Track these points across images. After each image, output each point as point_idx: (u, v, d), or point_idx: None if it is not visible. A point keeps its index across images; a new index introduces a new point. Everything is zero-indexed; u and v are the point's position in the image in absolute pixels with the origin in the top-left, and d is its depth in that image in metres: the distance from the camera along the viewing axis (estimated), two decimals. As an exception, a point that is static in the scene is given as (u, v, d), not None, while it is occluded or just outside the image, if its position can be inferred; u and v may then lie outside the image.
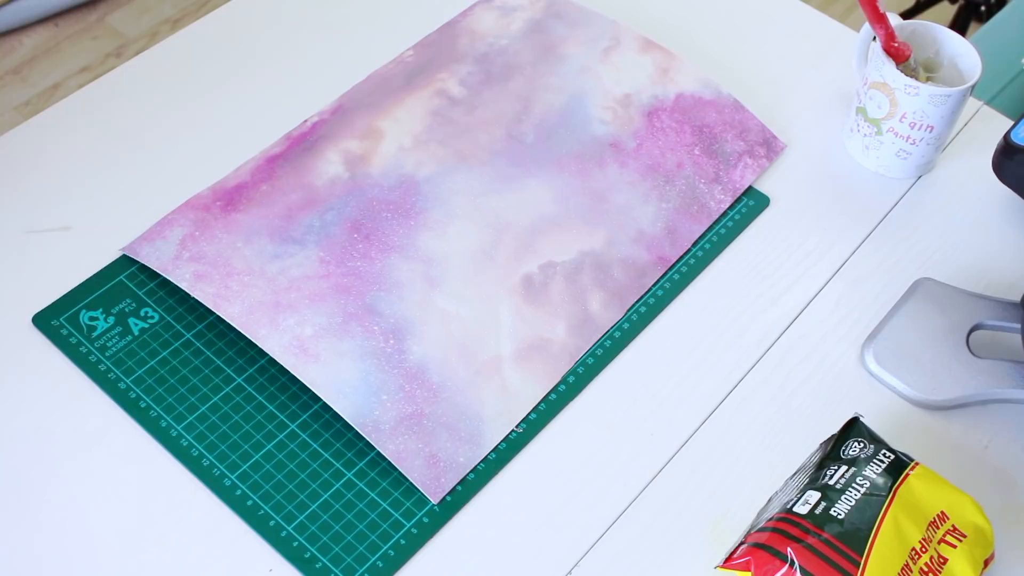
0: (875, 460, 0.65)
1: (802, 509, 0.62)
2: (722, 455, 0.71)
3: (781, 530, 0.62)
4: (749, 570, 0.61)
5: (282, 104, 0.87)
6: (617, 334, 0.76)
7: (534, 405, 0.72)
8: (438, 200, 0.79)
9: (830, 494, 0.63)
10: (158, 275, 0.76)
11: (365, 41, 0.92)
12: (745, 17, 0.98)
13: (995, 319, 0.77)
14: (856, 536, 0.61)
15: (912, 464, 0.65)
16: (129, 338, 0.73)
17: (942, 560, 0.62)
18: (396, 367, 0.71)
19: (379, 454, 0.69)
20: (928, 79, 0.85)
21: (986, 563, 0.64)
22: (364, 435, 0.68)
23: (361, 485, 0.68)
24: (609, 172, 0.83)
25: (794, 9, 0.99)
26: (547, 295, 0.76)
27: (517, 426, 0.71)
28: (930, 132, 0.83)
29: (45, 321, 0.73)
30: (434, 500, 0.67)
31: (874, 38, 0.84)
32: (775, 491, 0.68)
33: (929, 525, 0.63)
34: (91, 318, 0.73)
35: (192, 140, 0.84)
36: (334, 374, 0.70)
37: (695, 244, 0.81)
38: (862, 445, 0.66)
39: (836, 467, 0.65)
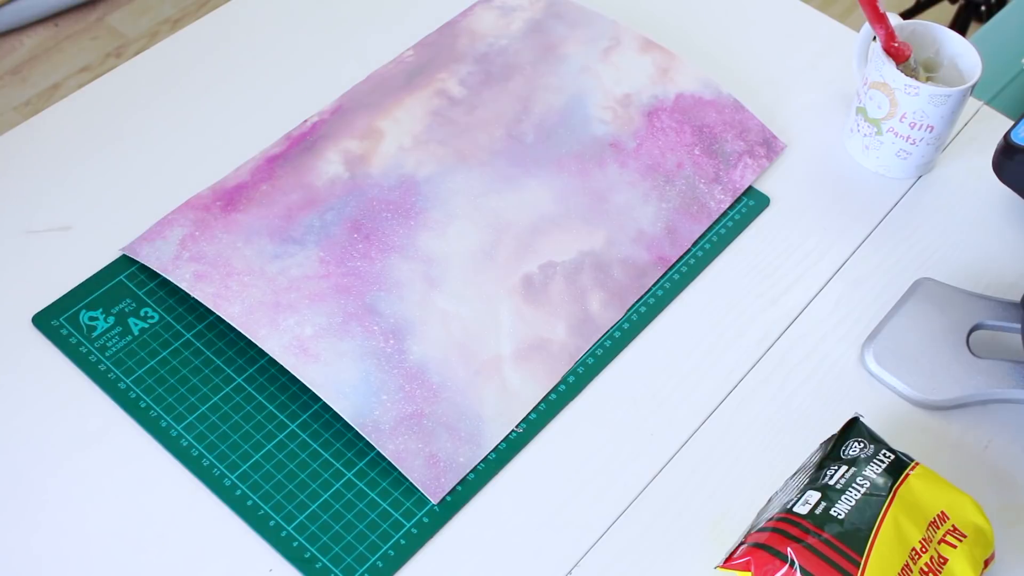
0: (875, 460, 0.65)
1: (802, 509, 0.62)
2: (722, 455, 0.71)
3: (781, 530, 0.62)
4: (749, 570, 0.61)
5: (282, 104, 0.87)
6: (617, 334, 0.76)
7: (534, 405, 0.72)
8: (438, 200, 0.79)
9: (830, 494, 0.63)
10: (158, 275, 0.76)
11: (365, 41, 0.92)
12: (745, 17, 0.98)
13: (995, 319, 0.77)
14: (856, 536, 0.61)
15: (912, 464, 0.65)
16: (129, 338, 0.73)
17: (942, 560, 0.62)
18: (396, 367, 0.71)
19: (379, 454, 0.69)
20: (928, 79, 0.85)
21: (986, 563, 0.64)
22: (364, 435, 0.68)
23: (361, 485, 0.68)
24: (609, 172, 0.83)
25: (794, 9, 0.99)
26: (547, 295, 0.76)
27: (517, 426, 0.71)
28: (930, 132, 0.83)
29: (45, 321, 0.73)
30: (434, 500, 0.67)
31: (874, 38, 0.84)
32: (775, 491, 0.68)
33: (929, 525, 0.63)
34: (91, 318, 0.73)
35: (192, 140, 0.84)
36: (334, 374, 0.70)
37: (695, 244, 0.81)
38: (862, 445, 0.66)
39: (836, 467, 0.65)
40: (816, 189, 0.86)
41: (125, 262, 0.77)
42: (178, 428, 0.69)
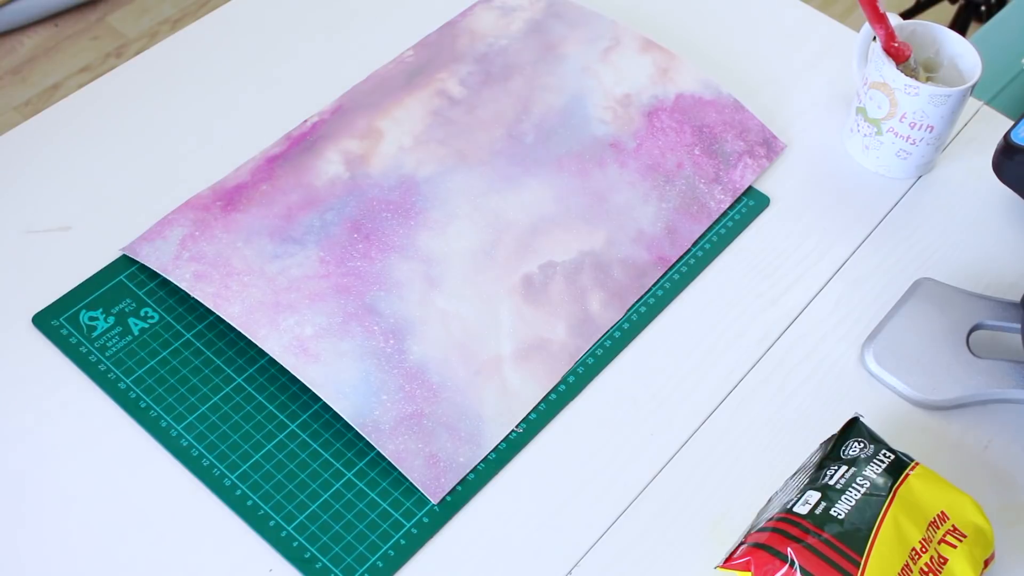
0: (875, 460, 0.65)
1: (802, 509, 0.62)
2: (722, 455, 0.71)
3: (781, 530, 0.62)
4: (749, 570, 0.61)
5: (282, 104, 0.87)
6: (617, 334, 0.76)
7: (534, 405, 0.72)
8: (438, 200, 0.79)
9: (830, 494, 0.63)
10: (158, 275, 0.76)
11: (365, 41, 0.92)
12: (745, 17, 0.98)
13: (995, 319, 0.77)
14: (856, 536, 0.61)
15: (912, 464, 0.65)
16: (129, 338, 0.73)
17: (942, 560, 0.62)
18: (396, 367, 0.71)
19: (379, 454, 0.69)
20: (928, 79, 0.85)
21: (986, 563, 0.64)
22: (364, 435, 0.68)
23: (361, 485, 0.68)
24: (609, 172, 0.83)
25: (794, 9, 0.99)
26: (547, 295, 0.76)
27: (517, 426, 0.71)
28: (930, 132, 0.83)
29: (45, 321, 0.73)
30: (434, 500, 0.67)
31: (874, 38, 0.84)
32: (775, 491, 0.68)
33: (929, 525, 0.63)
34: (91, 318, 0.73)
35: (192, 140, 0.84)
36: (334, 374, 0.70)
37: (695, 244, 0.81)
38: (862, 445, 0.66)
39: (836, 467, 0.65)
40: (816, 189, 0.86)
41: (125, 262, 0.77)
42: (178, 428, 0.69)
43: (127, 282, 0.76)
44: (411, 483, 0.68)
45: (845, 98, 0.92)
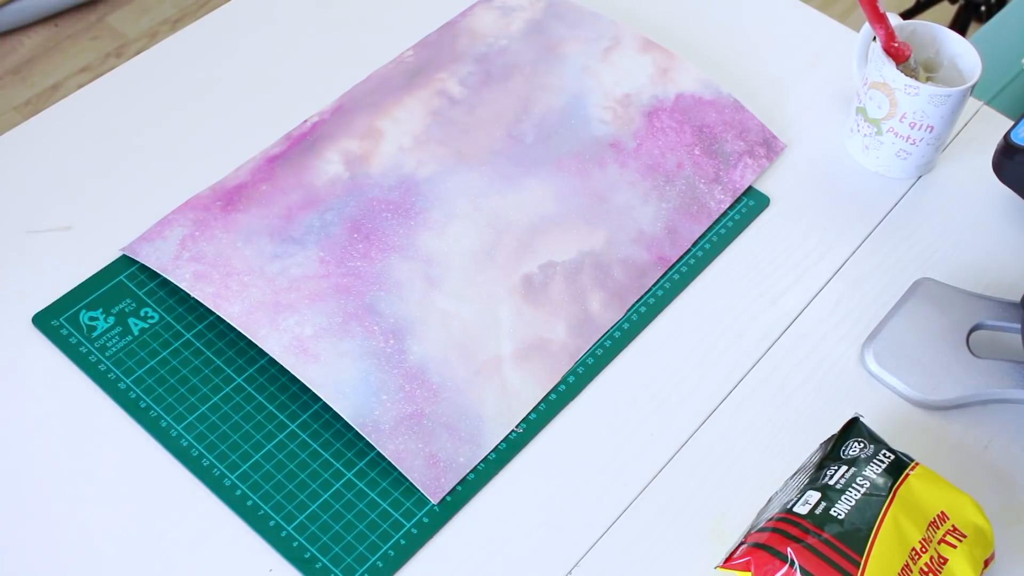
0: (875, 460, 0.65)
1: (802, 509, 0.62)
2: (722, 455, 0.71)
3: (781, 530, 0.62)
4: (749, 570, 0.61)
5: (282, 104, 0.87)
6: (617, 334, 0.76)
7: (534, 405, 0.72)
8: (438, 200, 0.79)
9: (830, 494, 0.63)
10: (158, 275, 0.76)
11: (365, 41, 0.92)
12: (745, 17, 0.98)
13: (995, 319, 0.77)
14: (856, 536, 0.61)
15: (912, 464, 0.65)
16: (129, 338, 0.73)
17: (942, 560, 0.62)
18: (396, 367, 0.71)
19: (379, 454, 0.69)
20: (928, 79, 0.85)
21: (986, 563, 0.64)
22: (364, 435, 0.68)
23: (361, 485, 0.68)
24: (609, 172, 0.83)
25: (794, 9, 0.99)
26: (547, 295, 0.76)
27: (517, 426, 0.71)
28: (930, 132, 0.83)
29: (45, 321, 0.73)
30: (434, 500, 0.67)
31: (874, 38, 0.84)
32: (775, 491, 0.68)
33: (929, 525, 0.63)
34: (91, 318, 0.73)
35: (192, 140, 0.84)
36: (334, 374, 0.70)
37: (695, 244, 0.81)
38: (862, 445, 0.66)
39: (836, 467, 0.65)
40: (816, 189, 0.86)
41: (125, 262, 0.77)
42: (178, 428, 0.69)
43: (127, 282, 0.76)
44: (411, 483, 0.68)
45: (845, 98, 0.92)
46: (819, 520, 0.62)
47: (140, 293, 0.75)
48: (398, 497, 0.68)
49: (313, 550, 0.65)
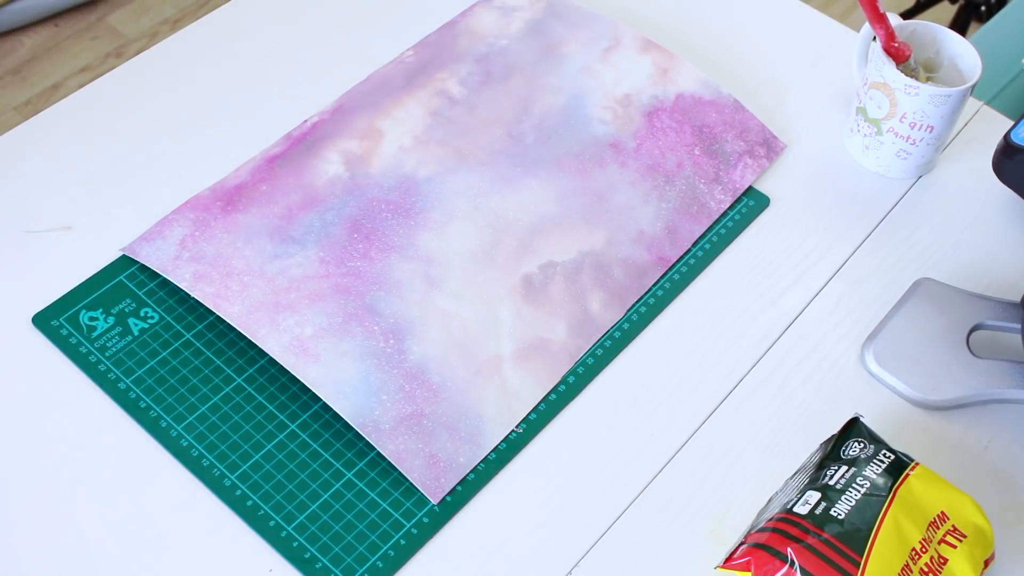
0: (875, 460, 0.65)
1: (802, 509, 0.62)
2: (722, 455, 0.71)
3: (781, 530, 0.62)
4: (749, 570, 0.61)
5: (282, 104, 0.87)
6: (617, 334, 0.76)
7: (534, 405, 0.72)
8: (438, 200, 0.79)
9: (830, 494, 0.63)
10: (158, 275, 0.76)
11: (365, 41, 0.92)
12: (745, 17, 0.98)
13: (995, 319, 0.77)
14: (856, 536, 0.61)
15: (912, 464, 0.65)
16: (129, 338, 0.73)
17: (942, 560, 0.62)
18: (396, 367, 0.71)
19: (379, 454, 0.69)
20: (928, 79, 0.85)
21: (986, 563, 0.64)
22: (364, 435, 0.68)
23: (361, 485, 0.68)
24: (609, 172, 0.83)
25: (794, 9, 0.99)
26: (547, 295, 0.76)
27: (517, 426, 0.71)
28: (930, 132, 0.83)
29: (45, 321, 0.73)
30: (434, 500, 0.67)
31: (874, 38, 0.84)
32: (775, 491, 0.68)
33: (929, 525, 0.63)
34: (91, 318, 0.73)
35: (192, 140, 0.84)
36: (334, 374, 0.70)
37: (695, 244, 0.81)
38: (862, 445, 0.66)
39: (836, 467, 0.65)
40: (816, 189, 0.86)
41: (125, 262, 0.77)
42: (178, 428, 0.69)
43: (127, 282, 0.76)
44: (411, 483, 0.68)
45: (845, 98, 0.92)
46: (819, 520, 0.62)
47: (140, 293, 0.75)
48: (398, 497, 0.68)
49: (313, 550, 0.65)
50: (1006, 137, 0.81)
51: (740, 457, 0.71)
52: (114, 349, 0.72)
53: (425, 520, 0.67)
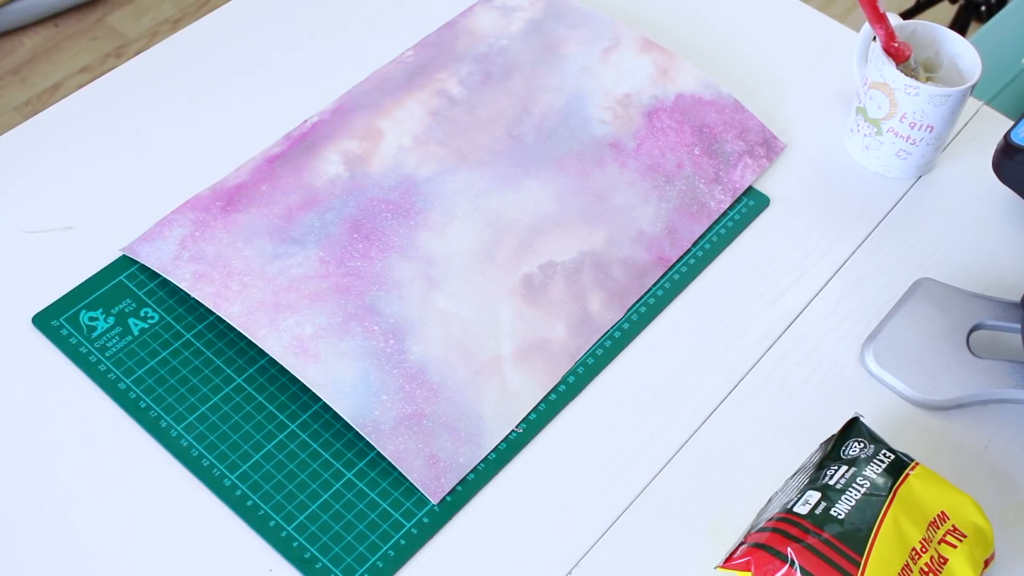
0: (875, 460, 0.65)
1: (802, 509, 0.62)
2: (722, 455, 0.71)
3: (781, 530, 0.62)
4: (749, 570, 0.61)
5: (282, 104, 0.87)
6: (617, 334, 0.76)
7: (534, 405, 0.72)
8: (438, 200, 0.79)
9: (830, 494, 0.63)
10: (158, 275, 0.76)
11: (365, 41, 0.92)
12: (745, 17, 0.98)
13: (995, 319, 0.77)
14: (856, 536, 0.61)
15: (912, 464, 0.65)
16: (129, 338, 0.73)
17: (942, 560, 0.62)
18: (396, 367, 0.71)
19: (379, 454, 0.69)
20: (928, 79, 0.85)
21: (986, 563, 0.64)
22: (364, 435, 0.68)
23: (361, 485, 0.68)
24: (609, 172, 0.83)
25: (794, 9, 0.99)
26: (547, 295, 0.76)
27: (517, 426, 0.71)
28: (930, 132, 0.83)
29: (45, 321, 0.73)
30: (434, 500, 0.67)
31: (874, 38, 0.84)
32: (775, 491, 0.68)
33: (929, 525, 0.63)
34: (91, 318, 0.73)
35: (192, 140, 0.84)
36: (334, 374, 0.70)
37: (695, 244, 0.81)
38: (862, 445, 0.66)
39: (836, 467, 0.65)
40: (816, 189, 0.86)
41: (125, 262, 0.77)
42: (178, 428, 0.69)
43: (127, 282, 0.76)
44: (411, 483, 0.68)
45: (845, 98, 0.92)
46: (819, 520, 0.62)
47: (140, 293, 0.75)
48: (398, 497, 0.68)
49: (313, 550, 0.65)
50: (1006, 137, 0.81)
51: (740, 457, 0.71)
52: (114, 349, 0.72)
53: (425, 520, 0.67)
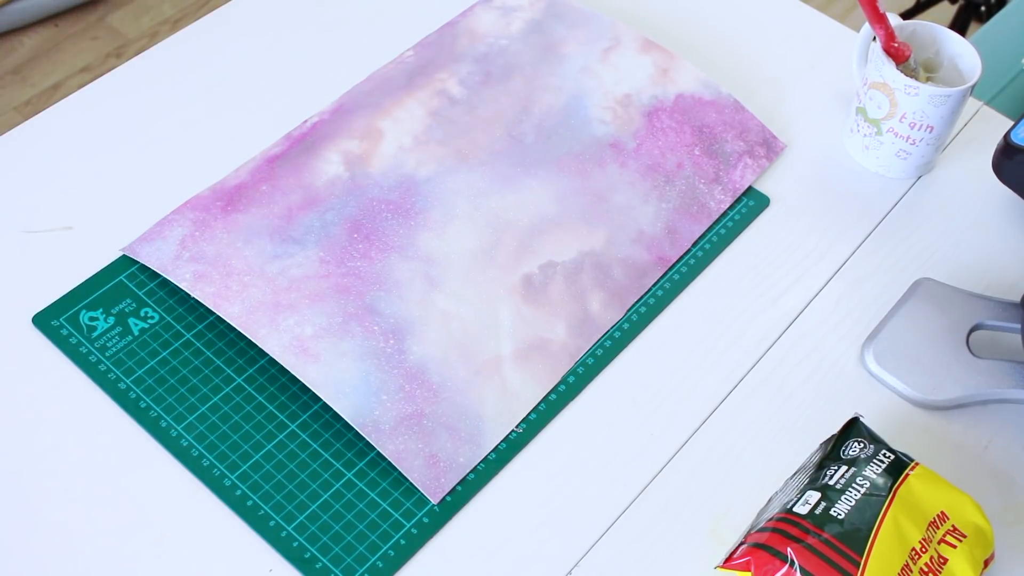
0: (875, 460, 0.65)
1: (802, 509, 0.62)
2: (722, 455, 0.71)
3: (781, 530, 0.62)
4: (749, 570, 0.61)
5: (282, 104, 0.87)
6: (617, 334, 0.76)
7: (534, 405, 0.72)
8: (438, 200, 0.79)
9: (830, 494, 0.63)
10: (158, 275, 0.76)
11: (365, 41, 0.92)
12: (745, 17, 0.98)
13: (995, 319, 0.77)
14: (856, 536, 0.61)
15: (912, 464, 0.65)
16: (129, 338, 0.73)
17: (942, 560, 0.62)
18: (396, 367, 0.71)
19: (379, 454, 0.69)
20: (928, 79, 0.85)
21: (986, 563, 0.64)
22: (364, 435, 0.68)
23: (361, 485, 0.68)
24: (609, 172, 0.83)
25: (794, 9, 0.99)
26: (547, 295, 0.76)
27: (517, 426, 0.71)
28: (930, 132, 0.83)
29: (45, 321, 0.73)
30: (434, 500, 0.67)
31: (874, 38, 0.84)
32: (775, 491, 0.68)
33: (929, 525, 0.63)
34: (91, 318, 0.73)
35: (192, 140, 0.84)
36: (334, 374, 0.70)
37: (695, 244, 0.81)
38: (862, 445, 0.66)
39: (836, 467, 0.65)
40: (816, 189, 0.86)
41: (125, 262, 0.77)
42: (178, 428, 0.69)
43: (127, 282, 0.76)
44: (411, 483, 0.68)
45: (845, 98, 0.92)
46: (819, 520, 0.62)
47: (140, 293, 0.75)
48: (398, 497, 0.68)
49: (313, 550, 0.65)
50: (1006, 137, 0.81)
51: (740, 457, 0.71)
52: (114, 349, 0.72)
53: (425, 520, 0.67)
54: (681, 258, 0.80)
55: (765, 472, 0.71)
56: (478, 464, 0.70)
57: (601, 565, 0.66)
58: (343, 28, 0.93)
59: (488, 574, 0.66)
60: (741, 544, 0.63)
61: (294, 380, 0.72)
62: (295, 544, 0.66)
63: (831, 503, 0.62)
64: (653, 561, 0.67)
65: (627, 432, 0.72)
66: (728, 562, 0.63)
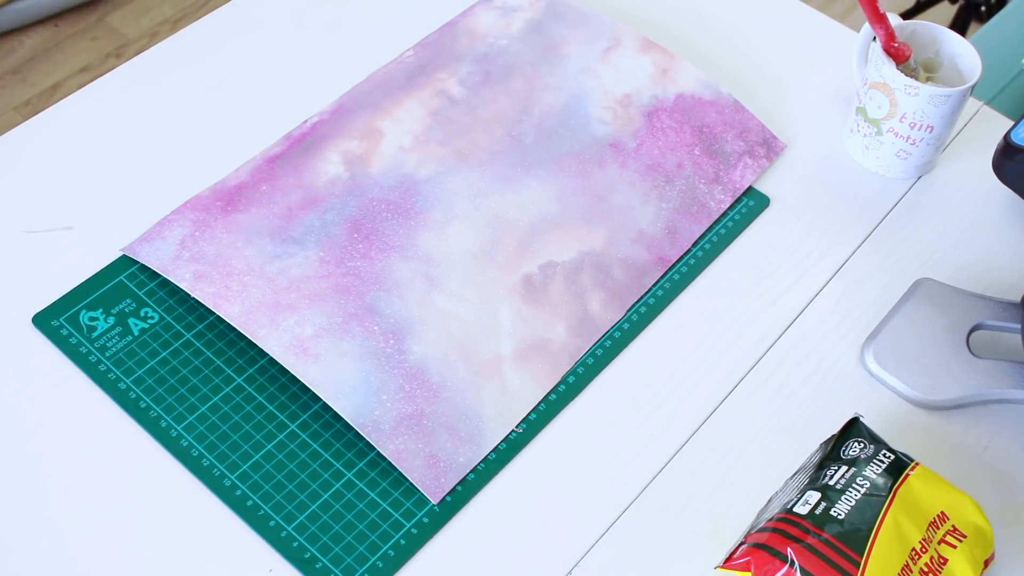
0: (875, 460, 0.65)
1: (802, 509, 0.62)
2: (722, 455, 0.71)
3: (781, 530, 0.62)
4: (749, 570, 0.61)
5: (282, 104, 0.87)
6: (617, 334, 0.76)
7: (534, 405, 0.72)
8: (438, 200, 0.79)
9: (830, 494, 0.63)
10: (158, 275, 0.76)
11: (365, 41, 0.92)
12: (745, 17, 0.98)
13: (995, 319, 0.77)
14: (856, 536, 0.61)
15: (912, 464, 0.65)
16: (129, 338, 0.73)
17: (942, 560, 0.62)
18: (396, 367, 0.71)
19: (379, 454, 0.69)
20: (928, 79, 0.85)
21: (986, 563, 0.64)
22: (364, 435, 0.68)
23: (361, 485, 0.68)
24: (609, 172, 0.83)
25: (794, 9, 0.99)
26: (547, 295, 0.76)
27: (517, 426, 0.71)
28: (930, 132, 0.83)
29: (45, 321, 0.73)
30: (434, 500, 0.67)
31: (874, 38, 0.84)
32: (775, 491, 0.68)
33: (929, 525, 0.63)
34: (91, 318, 0.73)
35: (192, 140, 0.84)
36: (334, 374, 0.70)
37: (695, 244, 0.81)
38: (862, 445, 0.66)
39: (836, 467, 0.65)
40: (816, 189, 0.86)
41: (125, 262, 0.77)
42: (178, 428, 0.69)
43: (127, 282, 0.76)
44: (411, 483, 0.68)
45: (845, 98, 0.92)
46: (819, 520, 0.62)
47: (140, 293, 0.75)
48: (398, 497, 0.68)
49: (313, 550, 0.65)
50: (1006, 137, 0.81)
51: (740, 457, 0.71)
52: (114, 349, 0.72)
53: (425, 520, 0.67)
54: (681, 258, 0.80)
55: (765, 472, 0.71)
56: (478, 464, 0.70)
57: (601, 565, 0.66)
58: (343, 28, 0.93)
59: (488, 574, 0.66)
60: (741, 544, 0.63)
61: (294, 380, 0.72)
62: (295, 544, 0.66)
63: (831, 503, 0.62)
64: (653, 561, 0.67)
65: (627, 432, 0.72)
66: (728, 562, 0.63)
